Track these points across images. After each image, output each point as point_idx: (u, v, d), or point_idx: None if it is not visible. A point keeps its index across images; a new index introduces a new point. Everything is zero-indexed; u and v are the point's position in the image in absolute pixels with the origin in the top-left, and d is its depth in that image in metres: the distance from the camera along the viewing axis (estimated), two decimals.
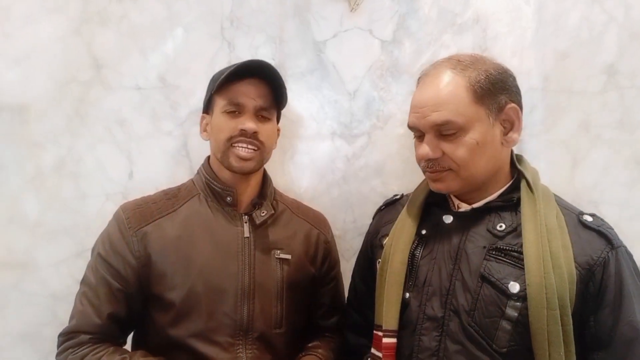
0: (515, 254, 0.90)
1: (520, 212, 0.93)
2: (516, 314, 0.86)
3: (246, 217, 1.09)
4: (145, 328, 1.06)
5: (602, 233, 0.90)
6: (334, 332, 1.21)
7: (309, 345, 1.16)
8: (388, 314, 0.97)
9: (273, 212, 1.13)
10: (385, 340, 0.96)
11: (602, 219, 0.95)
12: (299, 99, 1.39)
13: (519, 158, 1.02)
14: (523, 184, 0.96)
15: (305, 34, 1.38)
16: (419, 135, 0.96)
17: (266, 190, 1.15)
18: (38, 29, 1.41)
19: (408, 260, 0.99)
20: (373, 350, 1.02)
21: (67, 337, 1.02)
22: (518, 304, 0.86)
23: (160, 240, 1.04)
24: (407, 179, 1.37)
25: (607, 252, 0.88)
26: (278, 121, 1.17)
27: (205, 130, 1.13)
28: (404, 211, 1.07)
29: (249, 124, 1.04)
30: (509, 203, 0.95)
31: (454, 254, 0.95)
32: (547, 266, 0.86)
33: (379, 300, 1.02)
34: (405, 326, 0.97)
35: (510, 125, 0.94)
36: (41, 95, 1.42)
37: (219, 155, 1.07)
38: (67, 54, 1.41)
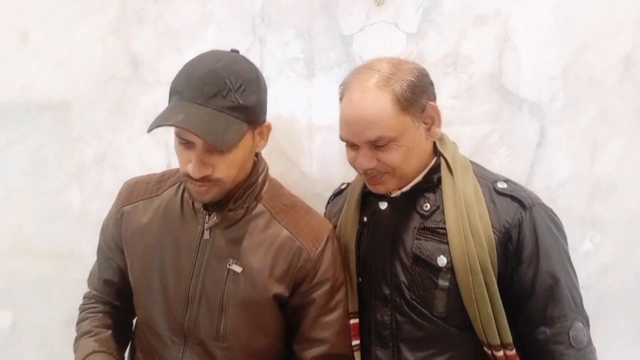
0: (440, 230, 1.00)
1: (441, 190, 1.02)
2: (447, 284, 0.97)
3: (213, 215, 1.00)
4: None
5: (514, 197, 0.99)
6: None
7: None
8: (350, 298, 1.07)
9: (245, 213, 1.01)
10: (351, 321, 1.07)
11: (515, 183, 1.03)
12: (328, 90, 1.44)
13: (440, 137, 1.07)
14: (443, 164, 1.04)
15: (333, 29, 1.43)
16: (351, 145, 1.03)
17: (245, 188, 1.01)
18: (79, 31, 1.49)
19: (355, 248, 1.09)
20: None
21: (87, 291, 1.18)
22: (448, 275, 0.97)
23: (131, 225, 1.07)
24: None
25: (520, 214, 0.97)
26: (264, 121, 1.02)
27: None
28: (346, 203, 1.16)
29: (196, 171, 0.89)
30: (431, 184, 1.04)
31: (391, 237, 1.05)
32: (467, 238, 0.95)
33: None
34: (364, 306, 1.07)
35: (432, 120, 1.02)
36: (83, 93, 1.50)
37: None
38: (106, 54, 1.49)
